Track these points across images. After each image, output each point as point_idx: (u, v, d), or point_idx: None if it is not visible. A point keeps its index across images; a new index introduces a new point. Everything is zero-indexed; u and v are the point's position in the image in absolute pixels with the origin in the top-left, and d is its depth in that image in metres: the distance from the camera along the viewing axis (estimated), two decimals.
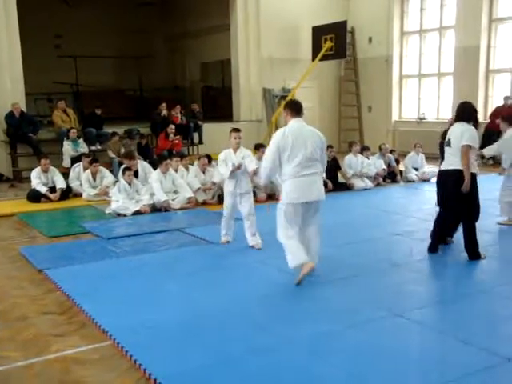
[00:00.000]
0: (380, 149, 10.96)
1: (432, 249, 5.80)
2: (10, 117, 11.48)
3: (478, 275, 5.27)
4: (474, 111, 5.86)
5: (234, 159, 6.40)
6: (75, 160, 10.62)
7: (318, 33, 14.70)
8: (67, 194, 9.59)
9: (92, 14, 18.12)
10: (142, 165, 9.67)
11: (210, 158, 9.58)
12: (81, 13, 17.81)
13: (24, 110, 11.92)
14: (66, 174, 10.02)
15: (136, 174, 9.11)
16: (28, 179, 9.99)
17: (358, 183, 10.06)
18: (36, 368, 3.69)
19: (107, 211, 8.42)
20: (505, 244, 6.36)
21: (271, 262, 5.71)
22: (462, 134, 5.50)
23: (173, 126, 12.15)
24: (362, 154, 10.58)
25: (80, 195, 9.59)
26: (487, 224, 6.90)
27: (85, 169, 9.85)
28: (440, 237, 5.89)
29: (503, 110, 12.72)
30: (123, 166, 9.24)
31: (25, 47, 12.29)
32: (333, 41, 14.37)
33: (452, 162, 5.55)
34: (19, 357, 3.83)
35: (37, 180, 9.40)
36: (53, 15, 17.25)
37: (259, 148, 9.56)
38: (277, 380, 3.41)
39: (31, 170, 9.77)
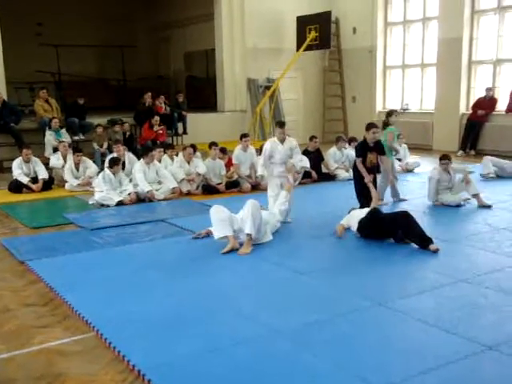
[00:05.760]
0: None
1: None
2: None
3: (460, 265, 5.32)
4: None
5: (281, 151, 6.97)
6: (58, 150, 10.49)
7: (303, 23, 14.66)
8: (50, 184, 9.50)
9: (75, 1, 17.87)
10: (129, 157, 9.58)
11: (195, 148, 9.54)
12: (63, 0, 17.54)
13: (5, 99, 11.74)
14: (48, 164, 9.92)
15: (123, 166, 9.05)
16: (9, 169, 9.86)
17: (342, 173, 10.10)
18: (19, 360, 3.67)
19: (90, 202, 8.36)
20: (483, 234, 6.43)
21: (256, 252, 5.72)
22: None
23: (157, 118, 12.05)
24: (349, 144, 10.63)
25: (63, 180, 9.52)
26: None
27: (63, 156, 9.78)
28: None
29: (485, 101, 12.85)
30: (110, 156, 9.16)
31: (5, 35, 12.08)
32: (317, 31, 14.34)
33: None
34: (1, 349, 3.80)
35: (18, 170, 9.29)
36: (33, 2, 16.96)
37: (242, 138, 9.58)
38: (262, 370, 3.42)
39: (12, 160, 9.65)
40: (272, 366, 3.45)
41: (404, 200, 8.10)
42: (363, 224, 6.15)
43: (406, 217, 5.91)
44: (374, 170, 7.30)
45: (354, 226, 6.29)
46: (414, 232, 5.78)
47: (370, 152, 7.10)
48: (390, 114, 8.59)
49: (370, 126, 7.17)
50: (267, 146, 7.03)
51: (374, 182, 7.22)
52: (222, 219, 5.83)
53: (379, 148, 7.22)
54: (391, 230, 5.99)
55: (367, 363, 3.46)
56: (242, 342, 3.76)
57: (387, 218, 6.12)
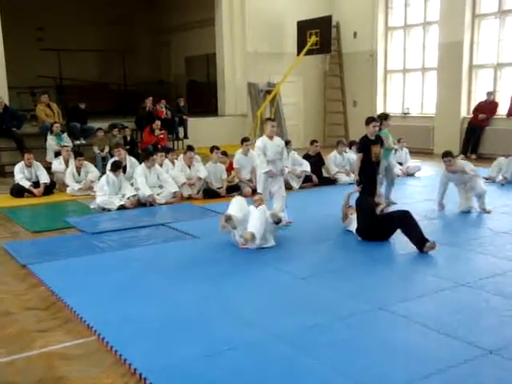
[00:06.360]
0: None
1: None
2: None
3: (461, 269, 5.33)
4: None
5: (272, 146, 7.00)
6: (59, 155, 10.51)
7: (303, 27, 14.69)
8: (51, 188, 9.52)
9: (75, 6, 17.92)
10: (131, 161, 9.59)
11: (192, 149, 9.52)
12: (64, 5, 17.60)
13: (7, 104, 11.77)
14: (49, 169, 9.93)
15: (124, 170, 9.05)
16: (11, 174, 9.88)
17: (343, 177, 10.11)
18: (19, 364, 3.67)
19: (92, 206, 8.37)
20: (484, 238, 6.43)
21: (256, 256, 5.72)
22: None
23: (158, 122, 12.08)
24: (350, 148, 10.64)
25: (64, 185, 9.53)
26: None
27: (65, 161, 9.80)
28: None
29: (485, 105, 12.86)
30: (111, 160, 9.17)
31: (7, 40, 12.12)
32: (318, 35, 14.38)
33: None
34: (2, 353, 3.80)
35: (20, 175, 9.31)
36: (35, 7, 17.00)
37: (243, 142, 9.60)
38: (261, 373, 3.42)
39: (14, 164, 9.67)
40: (271, 370, 3.45)
41: (394, 203, 8.01)
42: (362, 220, 6.14)
43: (405, 216, 5.92)
44: (377, 168, 7.30)
45: (354, 227, 6.29)
46: (415, 232, 5.79)
47: (374, 144, 7.15)
48: (385, 117, 8.44)
49: (369, 120, 7.26)
50: (259, 143, 7.03)
51: (374, 187, 7.24)
52: (241, 209, 6.05)
53: (380, 141, 7.30)
54: (391, 229, 6.00)
55: (367, 367, 3.46)
56: (241, 346, 3.76)
57: (386, 216, 6.12)
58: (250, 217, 5.99)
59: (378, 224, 6.07)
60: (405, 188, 9.45)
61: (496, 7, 12.79)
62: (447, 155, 7.59)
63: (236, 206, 6.14)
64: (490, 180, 9.48)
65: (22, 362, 3.70)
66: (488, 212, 7.47)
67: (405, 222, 5.87)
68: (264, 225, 5.92)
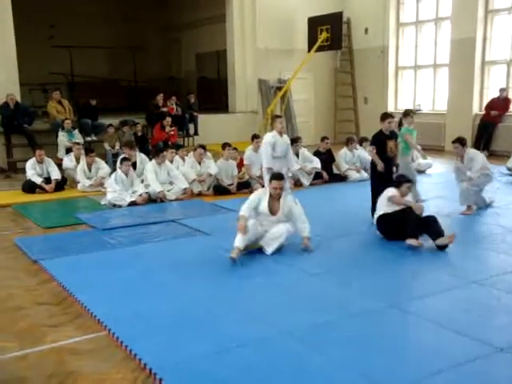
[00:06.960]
0: None
1: None
2: (3, 108, 11.41)
3: (472, 266, 5.29)
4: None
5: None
6: (70, 151, 10.57)
7: (314, 24, 14.63)
8: (62, 184, 9.57)
9: (86, 3, 17.98)
10: (141, 157, 9.62)
11: (204, 148, 9.55)
12: (75, 2, 17.66)
13: (19, 100, 11.85)
14: (61, 165, 9.98)
15: (134, 166, 9.09)
16: (23, 170, 9.95)
17: (353, 174, 10.08)
18: (31, 358, 3.70)
19: (103, 202, 8.41)
20: (496, 235, 6.38)
21: (266, 253, 5.72)
22: None
23: (169, 119, 12.10)
24: (360, 145, 10.60)
25: (75, 181, 9.60)
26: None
27: (76, 158, 9.85)
28: None
29: (498, 102, 12.75)
30: (121, 156, 9.21)
31: (19, 37, 12.18)
32: (328, 32, 14.30)
33: None
34: (14, 347, 3.84)
35: (32, 171, 9.37)
36: (46, 4, 17.08)
37: (254, 139, 9.61)
38: (271, 370, 3.42)
39: (26, 160, 9.74)
40: (281, 367, 3.45)
41: (423, 201, 7.87)
42: (396, 219, 6.02)
43: (429, 219, 5.92)
44: (391, 164, 7.21)
45: (376, 216, 6.23)
46: (434, 228, 5.79)
47: (389, 139, 7.08)
48: (406, 114, 8.31)
49: (385, 116, 7.17)
50: (269, 138, 7.02)
51: (390, 179, 7.12)
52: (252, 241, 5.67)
53: (396, 136, 7.25)
54: (415, 231, 5.95)
55: (378, 364, 3.45)
56: (251, 343, 3.76)
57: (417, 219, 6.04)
58: (270, 228, 5.74)
59: (406, 226, 5.99)
60: (416, 185, 9.36)
61: (509, 2, 12.66)
62: (456, 141, 7.46)
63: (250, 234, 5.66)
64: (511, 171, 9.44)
65: (33, 356, 3.73)
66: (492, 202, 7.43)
67: (427, 224, 5.86)
68: (283, 241, 5.77)
